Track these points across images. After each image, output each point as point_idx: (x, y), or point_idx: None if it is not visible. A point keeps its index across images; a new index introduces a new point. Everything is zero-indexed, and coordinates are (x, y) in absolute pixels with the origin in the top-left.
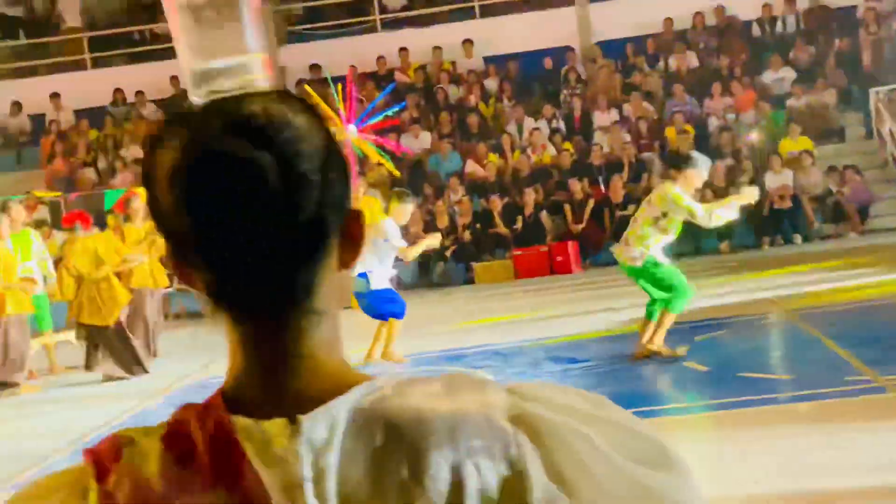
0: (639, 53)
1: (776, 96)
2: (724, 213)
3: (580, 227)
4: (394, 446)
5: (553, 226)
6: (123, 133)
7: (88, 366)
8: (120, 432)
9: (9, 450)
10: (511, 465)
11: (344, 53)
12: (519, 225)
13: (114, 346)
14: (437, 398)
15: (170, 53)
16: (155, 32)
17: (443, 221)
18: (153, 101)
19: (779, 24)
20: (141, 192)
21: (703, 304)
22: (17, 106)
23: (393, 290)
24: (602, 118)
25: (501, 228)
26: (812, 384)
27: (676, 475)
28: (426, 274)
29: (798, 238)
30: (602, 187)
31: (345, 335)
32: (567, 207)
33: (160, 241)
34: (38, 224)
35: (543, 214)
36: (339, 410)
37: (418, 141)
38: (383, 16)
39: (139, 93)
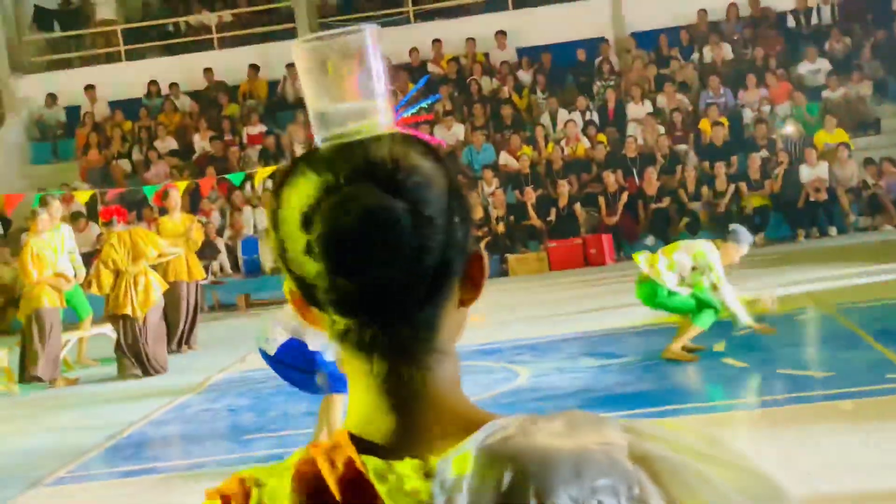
0: (673, 45)
1: (811, 88)
2: (739, 308)
3: (614, 219)
4: (521, 486)
5: (587, 218)
6: (157, 125)
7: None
8: (244, 473)
9: (49, 444)
10: None
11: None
12: (553, 217)
13: (131, 341)
14: (559, 437)
15: (203, 45)
16: (189, 24)
17: (476, 213)
18: (187, 94)
19: (814, 14)
20: (179, 186)
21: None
22: (52, 98)
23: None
24: (636, 110)
25: (535, 220)
26: (852, 381)
27: None
28: None
29: (833, 231)
30: (636, 179)
31: None
32: (601, 199)
33: (197, 234)
34: (74, 217)
35: (577, 206)
36: (468, 451)
37: (451, 133)
38: (416, 7)
39: (173, 85)
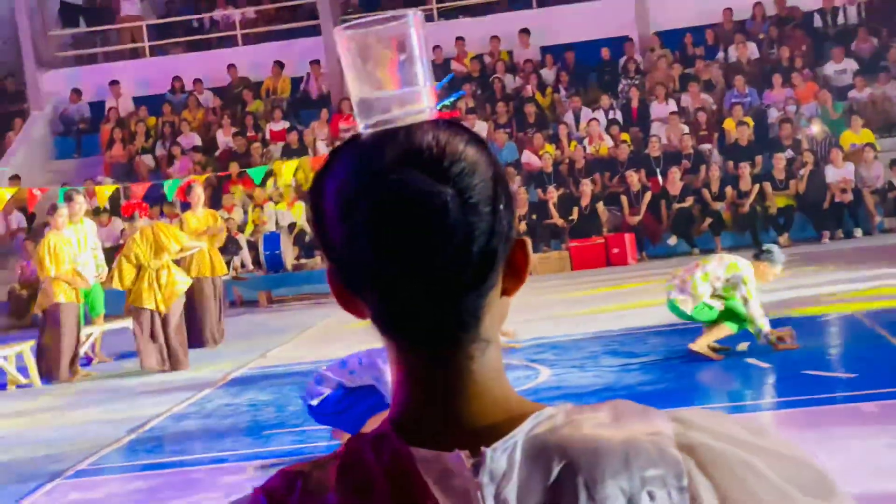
0: (698, 44)
1: (838, 88)
2: (765, 324)
3: (637, 218)
4: (569, 476)
5: (609, 217)
6: (181, 121)
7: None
8: (288, 468)
9: (71, 437)
10: (684, 495)
11: None
12: (575, 216)
13: (153, 335)
14: (607, 427)
15: (227, 42)
16: (213, 20)
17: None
18: (211, 89)
19: (840, 14)
20: (200, 180)
21: (765, 298)
22: (76, 93)
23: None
24: (660, 109)
25: (557, 219)
26: (877, 383)
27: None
28: None
29: (858, 232)
30: (659, 179)
31: None
32: (624, 199)
33: (220, 229)
34: (97, 212)
35: (600, 206)
36: (517, 441)
37: (474, 131)
38: (440, 5)
39: (197, 81)
